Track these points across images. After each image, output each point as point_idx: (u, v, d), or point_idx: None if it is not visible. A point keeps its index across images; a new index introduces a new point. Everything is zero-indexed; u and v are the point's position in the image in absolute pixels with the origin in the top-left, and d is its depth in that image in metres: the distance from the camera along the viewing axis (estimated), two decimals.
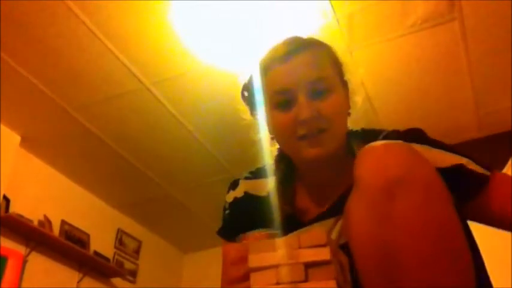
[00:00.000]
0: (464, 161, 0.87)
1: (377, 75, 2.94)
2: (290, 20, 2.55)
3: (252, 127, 1.04)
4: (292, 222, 0.95)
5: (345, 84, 0.99)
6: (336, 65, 0.98)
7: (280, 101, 0.92)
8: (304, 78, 0.90)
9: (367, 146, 0.82)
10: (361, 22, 2.58)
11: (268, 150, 1.06)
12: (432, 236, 0.69)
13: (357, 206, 0.77)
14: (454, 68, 2.89)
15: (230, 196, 1.07)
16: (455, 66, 2.87)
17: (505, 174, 0.90)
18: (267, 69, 0.95)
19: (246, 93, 1.02)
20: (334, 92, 0.93)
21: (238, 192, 1.06)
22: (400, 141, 0.83)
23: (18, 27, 2.56)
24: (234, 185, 1.08)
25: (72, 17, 2.52)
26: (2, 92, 2.96)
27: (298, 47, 0.94)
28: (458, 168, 0.86)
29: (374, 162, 0.77)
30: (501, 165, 2.62)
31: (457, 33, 2.66)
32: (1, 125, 3.22)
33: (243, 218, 1.02)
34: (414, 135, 0.92)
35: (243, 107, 1.04)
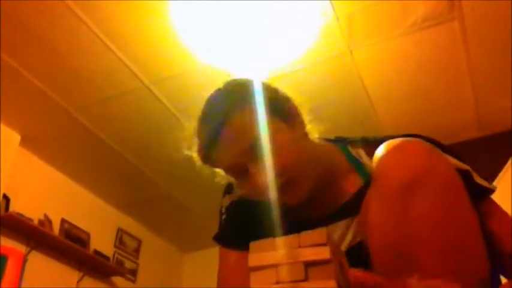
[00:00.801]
0: (471, 170, 0.87)
1: (377, 75, 2.95)
2: (290, 19, 2.55)
3: (231, 182, 1.00)
4: (296, 223, 0.93)
5: (285, 112, 0.92)
6: (270, 104, 0.90)
7: (234, 173, 0.90)
8: (242, 149, 0.86)
9: (386, 143, 0.81)
10: (361, 21, 2.59)
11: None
12: (450, 233, 0.70)
13: (376, 202, 0.77)
14: (453, 68, 2.89)
15: (226, 200, 1.03)
16: (455, 65, 2.87)
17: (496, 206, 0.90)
18: (205, 155, 0.92)
19: (207, 164, 0.96)
20: (277, 138, 0.87)
21: (234, 196, 1.02)
22: (418, 139, 0.83)
23: (18, 27, 2.56)
24: (229, 188, 1.04)
25: (73, 16, 2.52)
26: (2, 91, 2.96)
27: (221, 118, 0.88)
28: (464, 173, 0.84)
29: (394, 158, 0.78)
30: (501, 165, 2.62)
31: (457, 32, 2.66)
32: (1, 124, 3.22)
33: (240, 223, 0.99)
34: (426, 138, 0.92)
35: (215, 171, 0.98)
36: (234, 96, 0.92)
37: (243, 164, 0.88)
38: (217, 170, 0.96)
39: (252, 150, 0.86)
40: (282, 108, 0.92)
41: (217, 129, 0.88)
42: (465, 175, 0.84)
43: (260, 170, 0.86)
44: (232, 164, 0.89)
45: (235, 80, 0.96)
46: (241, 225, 0.99)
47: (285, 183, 0.87)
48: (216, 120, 0.89)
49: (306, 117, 0.95)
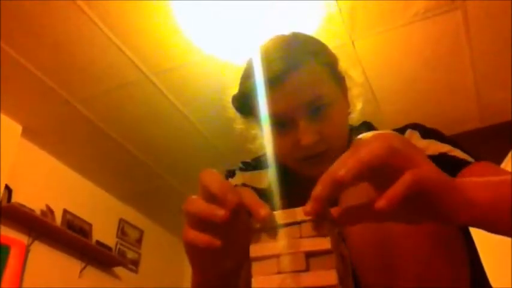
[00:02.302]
0: (447, 148, 0.83)
1: (379, 65, 2.94)
2: (292, 9, 2.54)
3: (245, 136, 0.99)
4: None
5: (342, 84, 0.93)
6: (332, 69, 0.91)
7: (277, 122, 0.87)
8: (302, 101, 0.84)
9: (358, 137, 0.81)
10: (364, 12, 2.57)
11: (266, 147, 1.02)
12: (427, 227, 0.70)
13: (351, 196, 0.76)
14: (456, 58, 2.88)
15: None
16: (457, 55, 2.86)
17: (490, 163, 0.81)
18: (253, 96, 0.88)
19: (236, 104, 0.96)
20: (333, 105, 0.87)
21: (236, 182, 1.00)
22: (391, 131, 0.82)
23: (20, 18, 2.56)
24: (231, 174, 1.02)
25: (74, 8, 2.51)
26: (4, 82, 2.96)
27: (292, 64, 0.84)
28: (442, 156, 0.82)
29: None
30: (502, 155, 2.61)
31: (460, 22, 2.64)
32: (3, 115, 3.23)
33: None
34: (409, 125, 0.90)
35: (235, 116, 0.98)
36: (312, 47, 0.90)
37: (293, 117, 0.85)
38: (243, 120, 0.95)
39: (310, 106, 0.84)
40: (343, 80, 0.93)
41: (289, 70, 0.83)
42: (441, 156, 0.81)
43: (308, 129, 0.84)
44: (285, 112, 0.85)
45: (307, 35, 0.95)
46: None
47: (321, 153, 0.85)
48: (291, 60, 0.84)
49: (357, 92, 0.96)
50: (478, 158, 0.82)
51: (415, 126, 0.90)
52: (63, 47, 2.76)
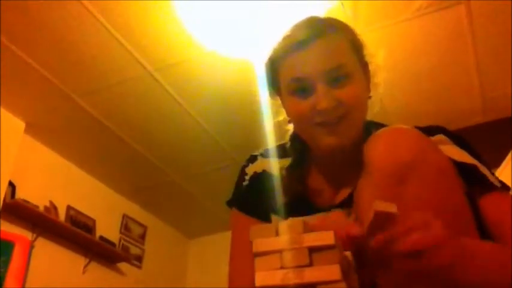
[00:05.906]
0: (478, 164, 0.84)
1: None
2: (294, 4, 2.53)
3: (271, 107, 1.02)
4: (304, 205, 0.94)
5: (365, 67, 0.96)
6: (356, 48, 0.95)
7: (297, 88, 0.89)
8: (323, 66, 0.87)
9: (378, 131, 0.82)
10: (366, 6, 2.56)
11: (273, 135, 1.04)
12: (443, 221, 0.70)
13: (367, 190, 0.77)
14: (459, 52, 2.87)
15: (250, 169, 1.04)
16: (460, 50, 2.85)
17: (509, 197, 0.84)
18: (284, 55, 0.91)
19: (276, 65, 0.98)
20: (353, 78, 0.89)
21: (258, 168, 1.03)
22: (410, 127, 0.83)
23: (21, 13, 2.55)
24: (253, 159, 1.05)
25: (76, 3, 2.51)
26: (7, 78, 2.96)
27: (317, 32, 0.89)
28: (471, 168, 0.83)
29: (385, 145, 0.78)
30: (505, 150, 2.60)
31: (463, 17, 2.63)
32: (6, 112, 3.23)
33: (260, 194, 1.00)
34: (439, 128, 0.91)
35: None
36: (340, 24, 0.98)
37: (313, 82, 0.87)
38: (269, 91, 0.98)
39: (331, 73, 0.87)
40: (367, 63, 0.97)
41: (315, 37, 0.89)
42: (470, 168, 0.82)
43: (326, 95, 0.86)
44: (306, 76, 0.88)
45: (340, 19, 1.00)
46: (259, 196, 1.00)
47: (339, 118, 0.87)
48: (317, 28, 0.90)
49: (379, 80, 0.99)
50: (501, 185, 0.85)
51: (448, 133, 0.91)
52: (65, 42, 2.75)
